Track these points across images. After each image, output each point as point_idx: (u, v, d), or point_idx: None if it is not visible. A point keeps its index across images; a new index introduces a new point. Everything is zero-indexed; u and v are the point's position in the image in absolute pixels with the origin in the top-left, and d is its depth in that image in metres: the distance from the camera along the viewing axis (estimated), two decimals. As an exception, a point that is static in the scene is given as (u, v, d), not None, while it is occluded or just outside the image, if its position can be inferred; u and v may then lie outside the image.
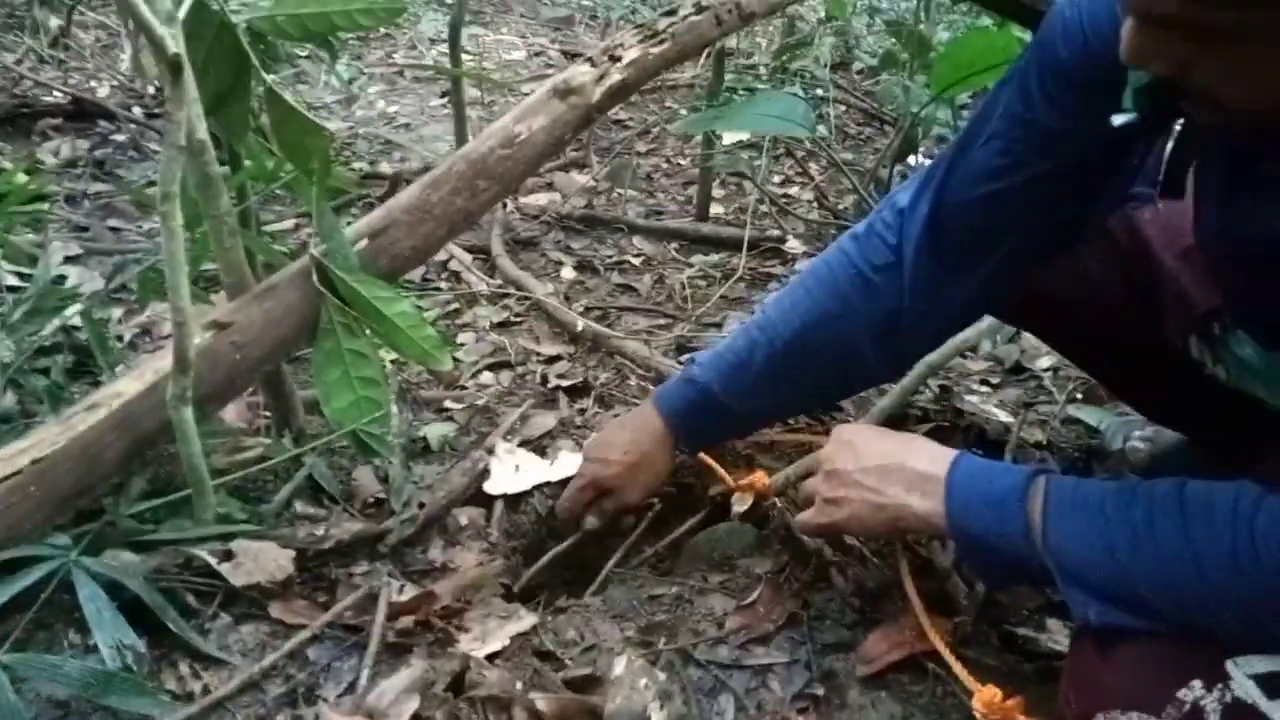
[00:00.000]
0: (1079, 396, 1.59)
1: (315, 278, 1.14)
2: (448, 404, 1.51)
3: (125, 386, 1.07)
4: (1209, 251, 0.90)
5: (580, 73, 1.38)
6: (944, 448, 0.96)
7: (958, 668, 0.94)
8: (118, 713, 0.89)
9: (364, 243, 1.20)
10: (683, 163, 3.04)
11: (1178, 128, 0.88)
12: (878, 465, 0.96)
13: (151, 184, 2.44)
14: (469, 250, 2.20)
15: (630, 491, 1.22)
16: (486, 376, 1.66)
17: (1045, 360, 1.69)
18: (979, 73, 1.17)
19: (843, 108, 3.39)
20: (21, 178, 2.09)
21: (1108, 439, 1.45)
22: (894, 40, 2.63)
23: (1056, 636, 1.06)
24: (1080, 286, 1.13)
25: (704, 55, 4.08)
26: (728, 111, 1.52)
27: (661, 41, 1.44)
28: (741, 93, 2.35)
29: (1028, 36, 1.46)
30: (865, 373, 1.18)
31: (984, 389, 1.62)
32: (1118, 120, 0.78)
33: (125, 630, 0.94)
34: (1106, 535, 0.80)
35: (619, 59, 1.40)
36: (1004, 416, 1.51)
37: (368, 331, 1.17)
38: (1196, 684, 0.74)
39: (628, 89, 1.41)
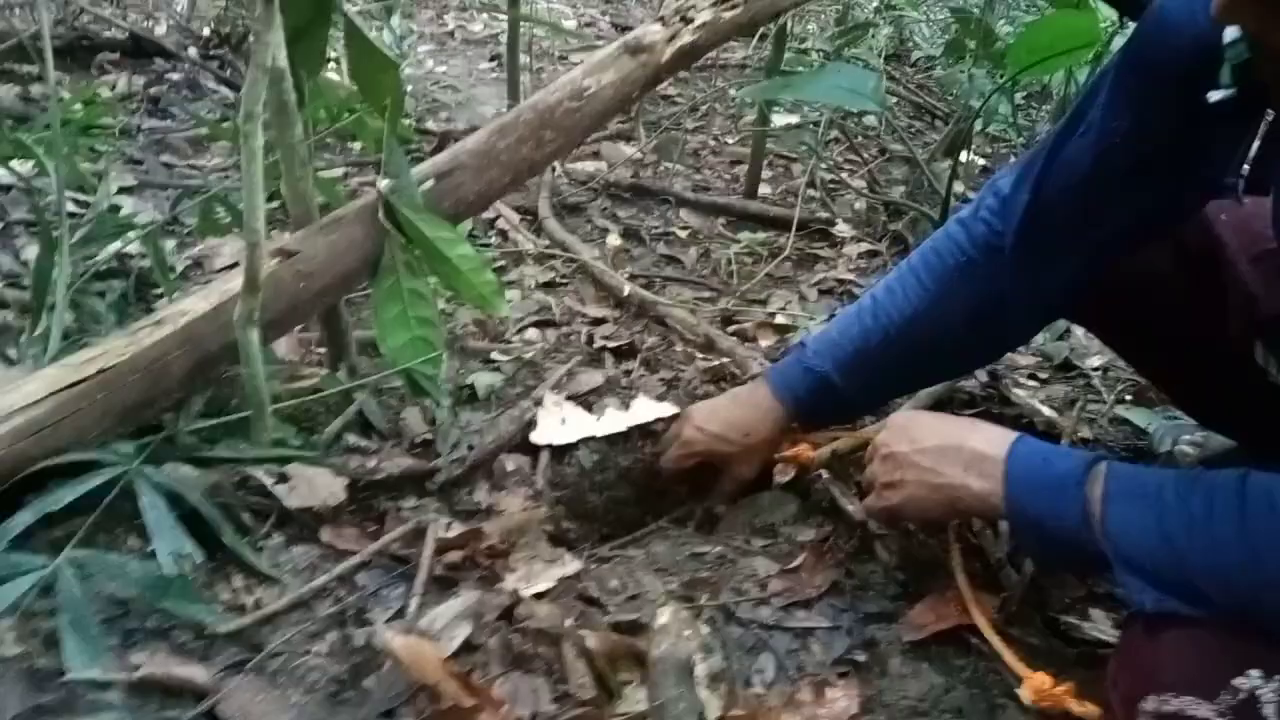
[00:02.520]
0: (1128, 398, 1.58)
1: (381, 213, 1.15)
2: (494, 355, 1.52)
3: (192, 305, 1.08)
4: None
5: (651, 31, 1.37)
6: (1003, 429, 0.96)
7: (1006, 653, 0.94)
8: (173, 617, 0.91)
9: (430, 184, 1.21)
10: (730, 142, 3.02)
11: (1264, 127, 0.88)
12: (935, 446, 0.96)
13: (216, 120, 2.46)
14: (517, 210, 2.21)
15: (746, 468, 1.24)
16: (532, 333, 1.67)
17: (1095, 359, 1.68)
18: (1058, 55, 1.15)
19: (894, 99, 3.36)
20: (79, 108, 2.11)
21: (1156, 441, 1.44)
22: (956, 29, 2.60)
23: (1100, 625, 1.06)
24: (1144, 284, 1.12)
25: (755, 37, 4.09)
26: (796, 81, 1.51)
27: (734, 6, 1.43)
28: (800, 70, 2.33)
29: (1111, 20, 1.44)
30: (971, 357, 1.20)
31: (1031, 383, 1.61)
32: (1214, 96, 0.78)
33: (183, 540, 0.95)
34: (1164, 523, 0.79)
35: (690, 20, 1.39)
36: (1049, 412, 1.50)
37: (428, 272, 1.18)
38: (1254, 673, 0.73)
39: (697, 51, 1.41)
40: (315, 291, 1.12)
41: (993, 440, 0.92)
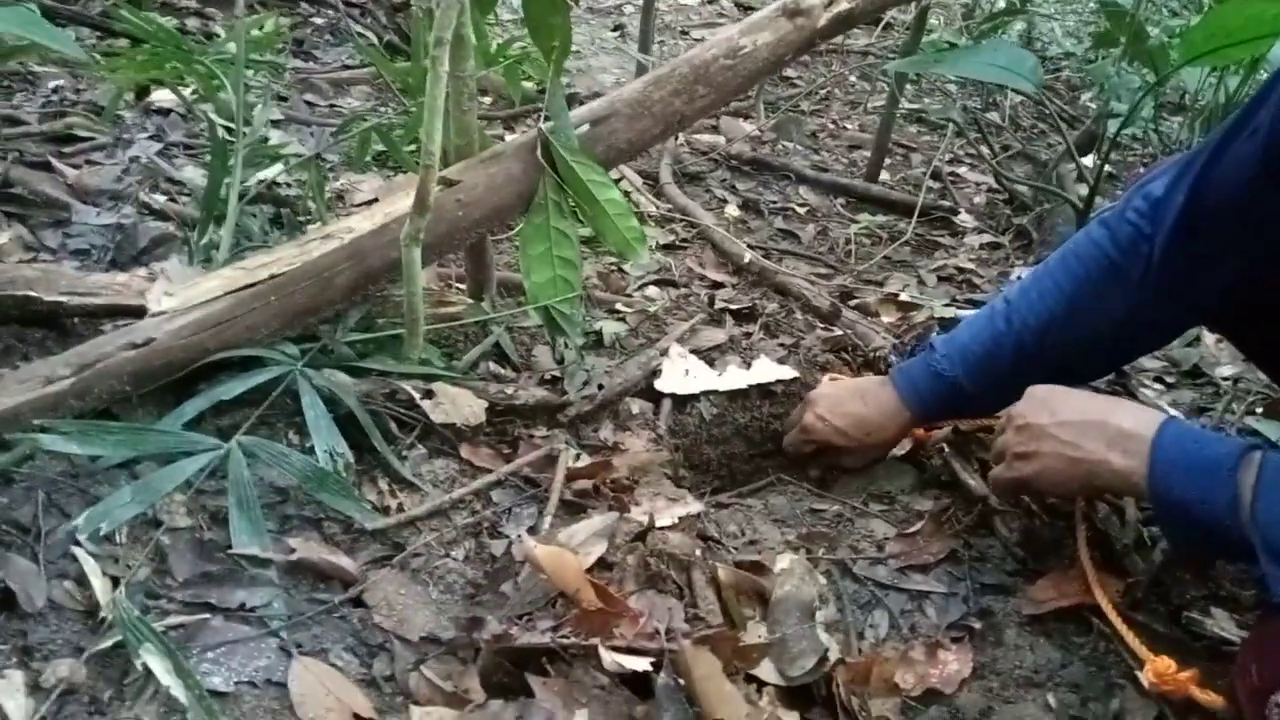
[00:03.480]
0: (1258, 409, 1.53)
1: (539, 152, 1.19)
2: (619, 306, 1.55)
3: (357, 223, 1.14)
4: None
5: (810, -4, 1.38)
6: (1151, 410, 0.94)
7: (1128, 634, 0.93)
8: (325, 508, 0.97)
9: (585, 128, 1.24)
10: (849, 127, 3.00)
11: None
12: (1078, 420, 0.95)
13: (348, 67, 2.55)
14: (639, 174, 2.24)
15: (858, 461, 1.26)
16: (652, 290, 1.69)
17: (1226, 369, 1.63)
18: (1238, 44, 1.11)
19: (1019, 97, 3.28)
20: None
21: (1287, 455, 1.39)
22: (1096, 26, 2.53)
23: (1222, 623, 1.04)
24: None
25: (880, 26, 4.04)
26: (951, 55, 1.50)
27: (893, -22, 1.42)
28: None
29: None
30: (1106, 362, 1.18)
31: (1158, 386, 1.58)
32: None
33: (338, 439, 1.01)
34: None
35: (849, -11, 1.40)
36: (1177, 415, 1.47)
37: (575, 214, 1.22)
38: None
39: (853, 19, 1.41)
40: (473, 220, 1.16)
41: (1141, 419, 0.91)
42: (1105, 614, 0.97)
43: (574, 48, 3.49)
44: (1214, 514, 0.83)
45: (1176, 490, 0.87)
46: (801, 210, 2.23)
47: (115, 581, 0.86)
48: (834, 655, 0.89)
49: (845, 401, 1.25)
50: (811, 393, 1.30)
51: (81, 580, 0.85)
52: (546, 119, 1.20)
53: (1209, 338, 1.71)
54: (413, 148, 1.57)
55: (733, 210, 2.18)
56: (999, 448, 1.05)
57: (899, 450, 1.28)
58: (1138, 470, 0.89)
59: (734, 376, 1.36)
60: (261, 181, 1.73)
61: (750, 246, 1.96)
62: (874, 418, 1.22)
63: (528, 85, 2.24)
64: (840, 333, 1.54)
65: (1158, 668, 0.89)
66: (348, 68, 2.56)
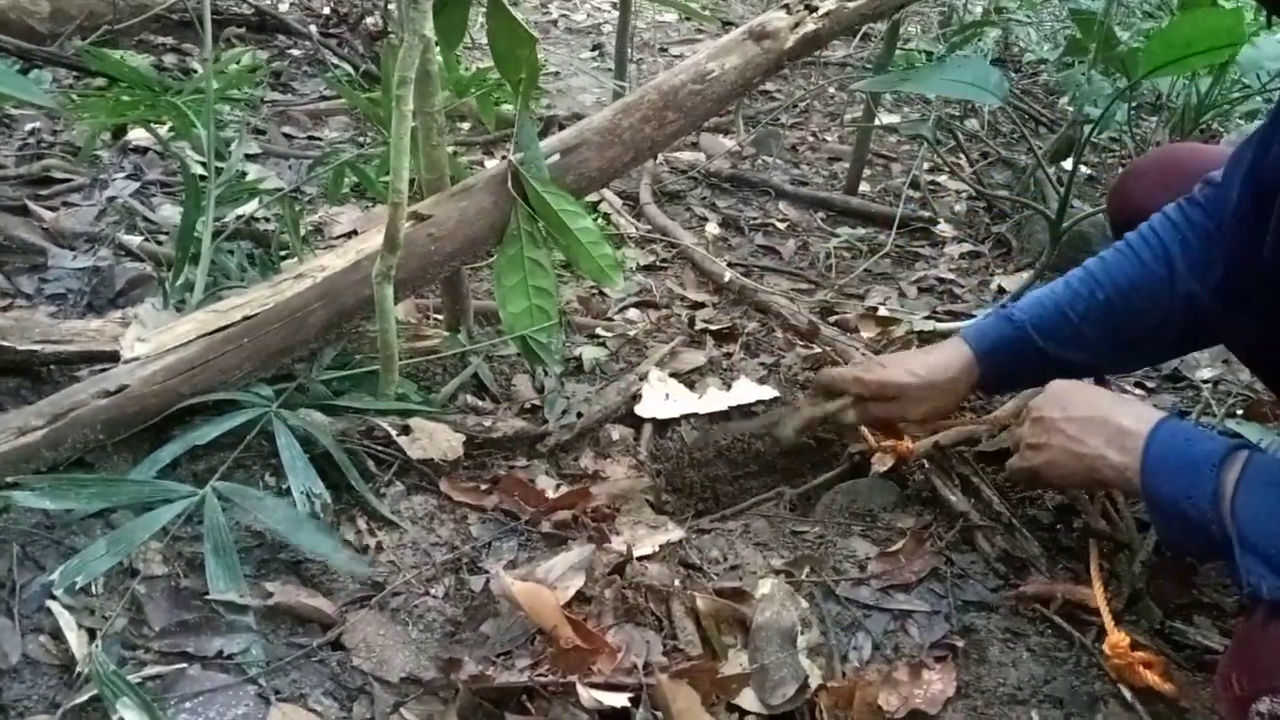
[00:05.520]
0: (1239, 412, 1.54)
1: (510, 183, 1.19)
2: (599, 331, 1.55)
3: (330, 261, 1.14)
4: None
5: (776, 18, 1.39)
6: (1155, 409, 0.96)
7: (1104, 607, 0.97)
8: (304, 552, 0.97)
9: (555, 158, 1.25)
10: (828, 139, 3.01)
11: None
12: (1083, 416, 0.97)
13: (325, 98, 2.56)
14: (618, 195, 2.24)
15: (914, 406, 1.19)
16: (633, 313, 1.70)
17: (1205, 372, 1.64)
18: (1196, 55, 1.12)
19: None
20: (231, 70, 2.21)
21: (1269, 456, 1.40)
22: (1069, 34, 2.55)
23: (1205, 632, 1.04)
24: None
25: (856, 36, 4.06)
26: (918, 73, 1.51)
27: (859, -4, 1.43)
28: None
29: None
30: (1173, 342, 1.16)
31: (1139, 390, 1.58)
32: None
33: (315, 480, 1.01)
34: None
35: (815, 8, 1.41)
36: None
37: (549, 243, 1.22)
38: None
39: (820, 40, 1.42)
40: (445, 254, 1.17)
41: (1140, 417, 0.93)
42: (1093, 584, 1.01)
43: (553, 68, 3.54)
44: (1199, 508, 0.85)
45: (1165, 486, 0.89)
46: (782, 226, 2.24)
47: (91, 633, 0.85)
48: (815, 681, 0.88)
49: (906, 355, 1.25)
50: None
51: (57, 634, 0.85)
52: (517, 150, 1.21)
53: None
54: (388, 179, 1.58)
55: (713, 228, 2.19)
56: (1016, 437, 1.07)
57: (880, 467, 1.28)
58: (1131, 466, 0.91)
59: (714, 399, 1.36)
60: (240, 217, 1.73)
61: (731, 264, 1.97)
62: (940, 360, 1.18)
63: (506, 108, 2.25)
64: (820, 350, 1.54)
65: (1113, 640, 0.92)
66: (325, 99, 2.58)
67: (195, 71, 2.50)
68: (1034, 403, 1.04)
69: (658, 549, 1.05)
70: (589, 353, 1.45)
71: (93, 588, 0.89)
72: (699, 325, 1.63)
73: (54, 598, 0.86)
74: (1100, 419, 0.95)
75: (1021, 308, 1.16)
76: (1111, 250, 1.14)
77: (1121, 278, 1.10)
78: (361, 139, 2.33)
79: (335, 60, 2.74)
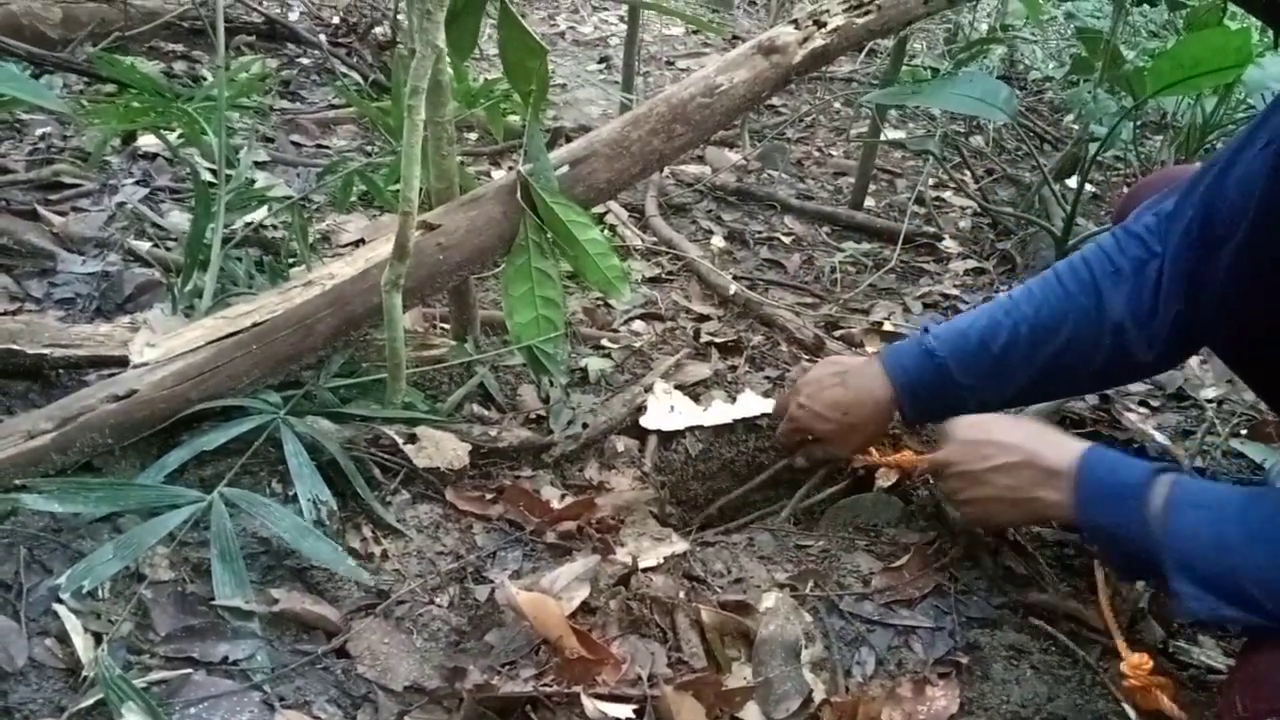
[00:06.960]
0: (1243, 431, 1.54)
1: (519, 194, 1.20)
2: (604, 342, 1.56)
3: (339, 269, 1.15)
4: None
5: (785, 33, 1.40)
6: (1070, 439, 0.97)
7: (1115, 627, 0.97)
8: (309, 559, 0.97)
9: (564, 169, 1.25)
10: (834, 154, 3.02)
11: None
12: (1006, 463, 0.98)
13: (334, 106, 2.57)
14: (625, 208, 2.25)
15: (841, 447, 1.23)
16: (638, 325, 1.70)
17: (1210, 391, 1.64)
18: (1204, 75, 1.13)
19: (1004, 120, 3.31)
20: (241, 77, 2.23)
21: (1271, 476, 1.40)
22: (1075, 52, 2.56)
23: (1209, 652, 1.04)
24: None
25: (863, 52, 4.08)
26: (927, 87, 1.51)
27: (867, 12, 1.44)
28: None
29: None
30: (1100, 375, 1.14)
31: (1142, 410, 1.58)
32: None
33: (322, 487, 1.01)
34: (1220, 530, 0.80)
35: (824, 24, 1.42)
36: (1163, 439, 1.47)
37: (557, 253, 1.23)
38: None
39: (828, 55, 1.43)
40: (454, 264, 1.17)
41: (1061, 453, 0.94)
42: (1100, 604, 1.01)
43: (560, 80, 3.56)
44: (1133, 535, 0.87)
45: (1100, 518, 0.90)
46: (787, 240, 2.24)
47: (98, 638, 0.85)
48: (819, 696, 0.88)
49: (826, 384, 1.22)
50: (800, 377, 1.28)
51: (63, 638, 0.85)
52: (526, 161, 1.21)
53: (1193, 360, 1.72)
54: (396, 188, 1.59)
55: (718, 241, 2.20)
56: (944, 492, 1.07)
57: (884, 482, 1.28)
58: (1066, 503, 0.93)
59: (719, 411, 1.36)
60: (248, 225, 1.75)
61: (736, 277, 1.97)
62: (849, 397, 1.18)
63: (513, 119, 2.26)
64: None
65: (1134, 661, 0.92)
66: (334, 107, 2.59)
67: (204, 79, 2.52)
68: (948, 457, 1.03)
69: (662, 561, 1.05)
70: (595, 363, 1.45)
71: (99, 592, 0.89)
72: (704, 338, 1.63)
73: (61, 601, 0.86)
74: (1024, 462, 0.96)
75: (942, 338, 1.14)
76: (1039, 280, 1.13)
77: (1045, 310, 1.08)
78: (369, 148, 2.34)
79: (344, 69, 2.75)
